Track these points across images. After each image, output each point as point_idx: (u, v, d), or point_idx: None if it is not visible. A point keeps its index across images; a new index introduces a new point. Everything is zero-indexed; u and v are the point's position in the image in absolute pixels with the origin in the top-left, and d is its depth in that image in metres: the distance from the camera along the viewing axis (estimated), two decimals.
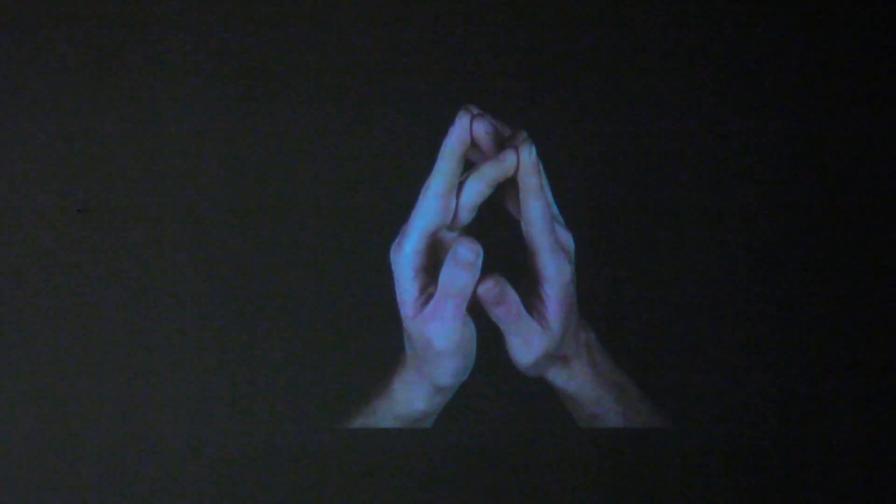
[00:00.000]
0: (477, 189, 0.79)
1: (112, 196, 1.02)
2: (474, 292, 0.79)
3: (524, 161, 0.78)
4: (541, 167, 0.79)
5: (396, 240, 0.81)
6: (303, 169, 1.02)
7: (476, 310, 0.83)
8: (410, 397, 0.84)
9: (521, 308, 0.81)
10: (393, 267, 0.81)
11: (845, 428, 1.01)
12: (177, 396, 1.01)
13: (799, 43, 1.02)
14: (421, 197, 0.80)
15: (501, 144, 0.80)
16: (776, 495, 1.01)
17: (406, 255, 0.80)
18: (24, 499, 1.01)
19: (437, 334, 0.79)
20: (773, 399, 1.02)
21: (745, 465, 1.01)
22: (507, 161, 0.77)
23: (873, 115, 1.02)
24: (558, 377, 0.87)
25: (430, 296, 0.80)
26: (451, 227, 0.81)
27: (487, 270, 0.82)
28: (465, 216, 0.81)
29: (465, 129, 0.79)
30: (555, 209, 0.84)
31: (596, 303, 0.94)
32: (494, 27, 1.02)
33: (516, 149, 0.78)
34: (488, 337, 0.87)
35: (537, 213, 0.79)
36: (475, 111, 0.79)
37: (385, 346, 0.99)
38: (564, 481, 1.01)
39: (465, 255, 0.77)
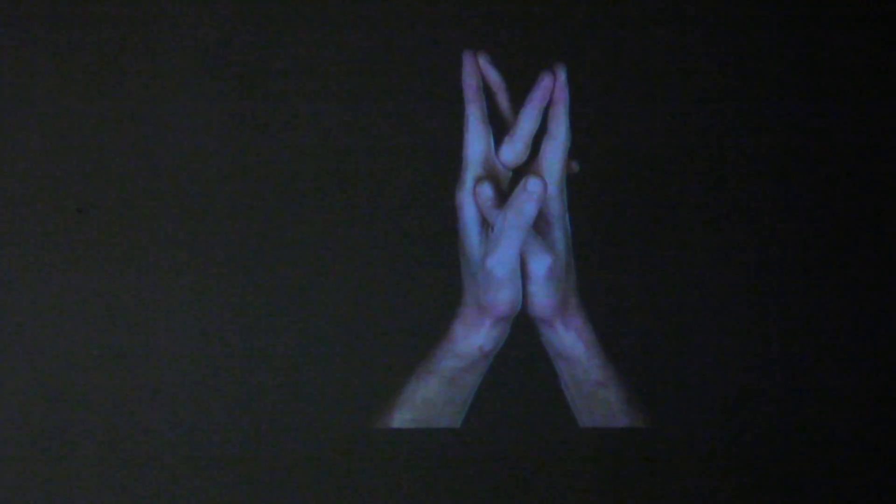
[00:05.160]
0: (530, 116, 0.88)
1: (112, 196, 1.02)
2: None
3: (559, 78, 0.88)
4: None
5: (457, 180, 0.89)
6: (306, 166, 1.03)
7: None
8: (471, 333, 0.90)
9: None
10: (457, 205, 0.89)
11: (850, 426, 1.02)
12: (180, 397, 1.01)
13: (799, 43, 1.03)
14: (465, 132, 0.89)
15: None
16: (777, 494, 1.01)
17: (468, 188, 0.88)
18: (25, 499, 1.00)
19: (499, 263, 0.87)
20: (775, 399, 1.02)
21: (746, 465, 1.01)
22: (546, 80, 0.88)
23: (873, 115, 1.02)
24: (566, 337, 0.92)
25: (490, 230, 0.88)
26: (507, 167, 0.90)
27: None
28: (523, 149, 0.89)
29: (472, 62, 0.89)
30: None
31: (595, 302, 0.94)
32: (491, 28, 1.03)
33: (551, 70, 0.88)
34: None
35: (563, 132, 0.89)
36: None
37: (400, 343, 1.00)
38: (564, 481, 1.01)
39: (535, 185, 0.84)
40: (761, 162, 1.03)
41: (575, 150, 0.91)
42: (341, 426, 1.01)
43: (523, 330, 0.93)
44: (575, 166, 0.92)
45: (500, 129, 0.90)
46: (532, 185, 0.85)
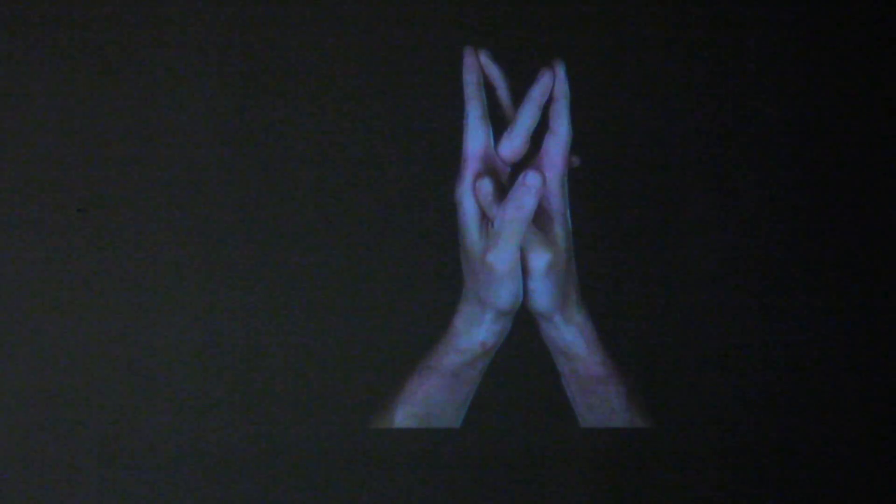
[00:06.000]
0: (529, 112, 0.89)
1: (112, 196, 1.02)
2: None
3: (559, 74, 0.89)
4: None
5: (457, 176, 0.90)
6: (307, 163, 1.03)
7: None
8: (472, 328, 0.91)
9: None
10: (456, 201, 0.90)
11: (850, 425, 1.02)
12: (181, 396, 1.01)
13: (799, 43, 1.03)
14: (465, 127, 0.90)
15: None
16: (776, 494, 1.01)
17: (467, 183, 0.89)
18: (25, 499, 1.00)
19: (500, 258, 0.87)
20: (775, 398, 1.02)
21: (746, 465, 1.01)
22: (546, 77, 0.88)
23: (873, 115, 1.02)
24: (567, 333, 0.92)
25: (490, 225, 0.88)
26: (506, 162, 0.90)
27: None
28: (522, 145, 0.89)
29: (473, 59, 0.90)
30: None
31: (596, 298, 0.95)
32: (492, 25, 1.03)
33: (550, 67, 0.89)
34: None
35: (564, 128, 0.89)
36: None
37: (401, 340, 1.00)
38: (564, 481, 1.01)
39: (534, 179, 0.85)
40: (763, 158, 1.03)
41: (576, 146, 0.91)
42: (341, 426, 1.01)
43: (524, 327, 0.93)
44: (576, 161, 0.92)
45: (500, 125, 0.90)
46: (531, 178, 0.86)
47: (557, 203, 0.90)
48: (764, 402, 1.02)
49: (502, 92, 0.92)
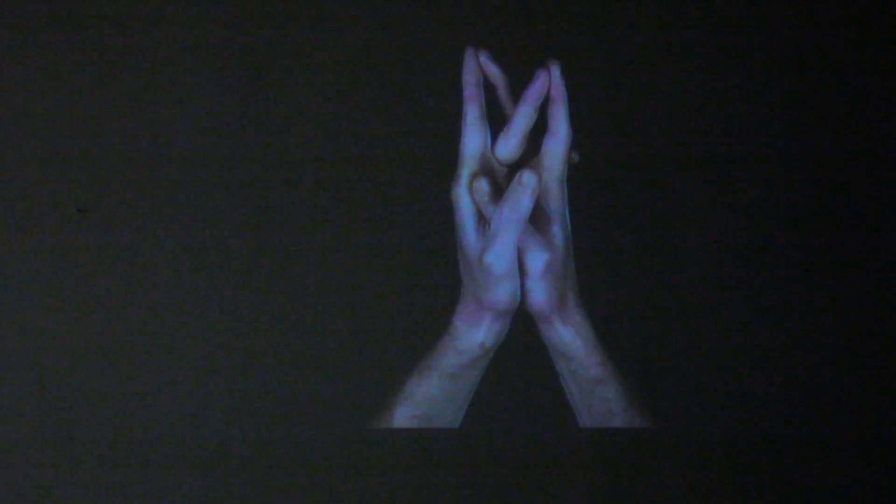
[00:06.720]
0: (525, 113, 0.89)
1: (112, 196, 1.02)
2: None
3: (555, 75, 0.89)
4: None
5: (453, 176, 0.90)
6: (306, 163, 1.03)
7: None
8: (471, 329, 0.91)
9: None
10: (453, 201, 0.90)
11: (850, 425, 1.02)
12: (181, 396, 1.01)
13: (799, 42, 1.03)
14: (462, 129, 0.90)
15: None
16: (776, 494, 1.01)
17: (464, 183, 0.89)
18: (25, 499, 1.00)
19: (498, 259, 0.87)
20: (775, 398, 1.02)
21: (746, 465, 1.01)
22: (542, 77, 0.89)
23: (873, 115, 1.02)
24: (565, 334, 0.92)
25: (487, 226, 0.89)
26: (503, 163, 0.90)
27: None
28: (517, 145, 0.90)
29: (473, 59, 0.90)
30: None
31: (595, 299, 0.95)
32: (492, 24, 1.03)
33: (546, 67, 0.89)
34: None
35: (563, 128, 0.89)
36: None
37: (401, 340, 1.00)
38: (564, 481, 1.01)
39: (530, 179, 0.86)
40: (762, 157, 1.03)
41: (576, 146, 0.91)
42: (341, 426, 1.01)
43: (524, 327, 0.93)
44: (575, 157, 0.92)
45: (500, 125, 0.90)
46: (527, 178, 0.86)
47: (556, 203, 0.90)
48: (764, 402, 1.02)
49: (502, 92, 0.92)
